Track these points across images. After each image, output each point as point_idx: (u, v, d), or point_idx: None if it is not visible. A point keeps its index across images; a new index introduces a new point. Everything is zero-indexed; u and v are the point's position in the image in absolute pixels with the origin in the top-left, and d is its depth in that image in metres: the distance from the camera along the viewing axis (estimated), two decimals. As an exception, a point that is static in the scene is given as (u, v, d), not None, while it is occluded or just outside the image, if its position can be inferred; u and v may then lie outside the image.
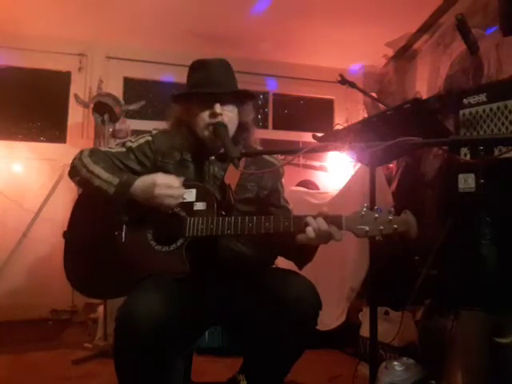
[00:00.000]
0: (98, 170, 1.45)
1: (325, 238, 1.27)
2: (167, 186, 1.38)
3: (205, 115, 1.50)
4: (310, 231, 1.26)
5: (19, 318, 3.36)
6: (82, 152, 1.53)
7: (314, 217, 1.28)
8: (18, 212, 3.62)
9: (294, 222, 1.31)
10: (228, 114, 1.51)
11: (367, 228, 1.22)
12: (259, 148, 1.66)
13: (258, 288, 1.40)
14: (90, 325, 3.20)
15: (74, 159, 1.53)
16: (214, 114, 1.49)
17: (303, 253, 1.41)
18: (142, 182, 1.40)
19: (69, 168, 1.54)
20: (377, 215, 1.22)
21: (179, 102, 1.61)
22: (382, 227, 1.21)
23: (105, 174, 1.43)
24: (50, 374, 2.36)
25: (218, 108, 1.48)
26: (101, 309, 2.94)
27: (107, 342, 2.77)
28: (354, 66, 4.11)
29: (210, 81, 1.51)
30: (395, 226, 1.20)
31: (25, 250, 3.61)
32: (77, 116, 3.91)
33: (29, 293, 3.49)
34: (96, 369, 2.40)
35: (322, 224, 1.26)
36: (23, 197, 3.67)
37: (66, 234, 1.56)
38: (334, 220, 1.27)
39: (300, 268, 1.49)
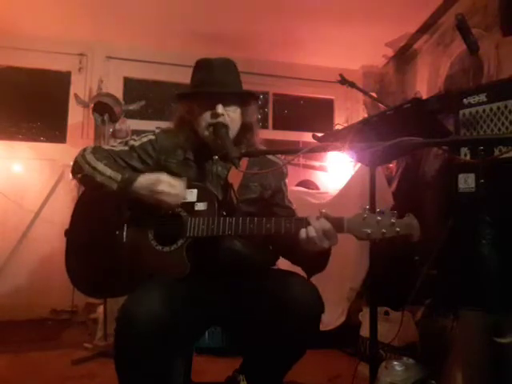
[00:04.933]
0: (101, 166, 1.44)
1: (326, 239, 1.24)
2: (171, 184, 1.39)
3: (206, 115, 1.48)
4: (310, 230, 1.25)
5: (19, 317, 3.36)
6: (84, 149, 1.53)
7: (316, 218, 1.26)
8: (18, 212, 3.62)
9: (295, 223, 1.28)
10: (230, 115, 1.50)
11: (369, 231, 1.19)
12: (263, 148, 1.64)
13: (258, 289, 1.40)
14: (90, 325, 3.20)
15: (77, 156, 1.53)
16: (215, 115, 1.47)
17: (313, 260, 1.36)
18: (145, 179, 1.40)
19: (71, 165, 1.53)
20: (379, 218, 1.19)
21: (182, 101, 1.60)
22: (384, 230, 1.18)
23: (108, 171, 1.42)
24: (49, 373, 2.35)
25: (219, 109, 1.47)
26: (101, 309, 2.94)
27: (107, 342, 2.77)
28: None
29: (213, 80, 1.49)
30: (398, 229, 1.17)
31: (25, 250, 3.62)
32: (77, 116, 3.91)
33: (29, 293, 3.49)
34: (96, 369, 2.40)
35: (324, 224, 1.24)
36: (23, 197, 3.68)
37: (67, 233, 1.57)
38: (335, 222, 1.24)
39: (309, 276, 1.45)
